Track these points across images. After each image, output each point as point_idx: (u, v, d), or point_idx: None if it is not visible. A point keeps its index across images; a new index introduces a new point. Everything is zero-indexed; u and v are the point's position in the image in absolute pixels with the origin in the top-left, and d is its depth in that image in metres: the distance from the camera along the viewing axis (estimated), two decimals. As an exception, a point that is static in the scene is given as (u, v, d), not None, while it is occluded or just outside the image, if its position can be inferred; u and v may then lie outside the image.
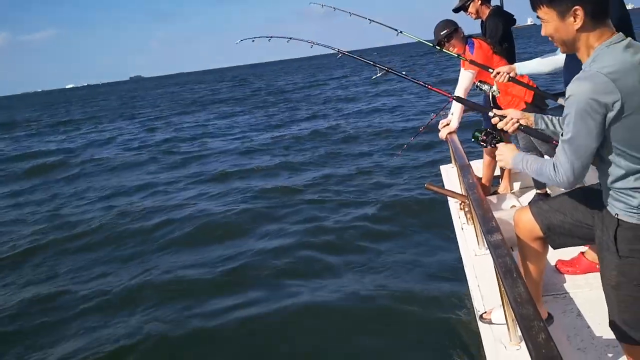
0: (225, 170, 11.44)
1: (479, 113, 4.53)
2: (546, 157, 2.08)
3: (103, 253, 7.08)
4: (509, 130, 2.32)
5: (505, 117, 2.32)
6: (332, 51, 3.91)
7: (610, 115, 1.66)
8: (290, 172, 10.51)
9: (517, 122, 2.28)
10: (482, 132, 2.44)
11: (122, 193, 10.67)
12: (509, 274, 1.82)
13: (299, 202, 8.18)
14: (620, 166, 1.76)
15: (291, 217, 7.52)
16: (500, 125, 2.34)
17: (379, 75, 3.45)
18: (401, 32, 4.33)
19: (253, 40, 4.47)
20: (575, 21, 1.73)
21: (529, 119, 2.28)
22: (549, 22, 1.79)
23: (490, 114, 2.43)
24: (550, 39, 1.85)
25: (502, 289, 2.20)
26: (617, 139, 1.71)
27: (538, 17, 1.84)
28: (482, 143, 2.43)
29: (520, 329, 1.55)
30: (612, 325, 1.95)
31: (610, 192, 1.85)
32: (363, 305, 4.73)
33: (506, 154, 2.20)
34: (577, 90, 1.68)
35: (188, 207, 8.70)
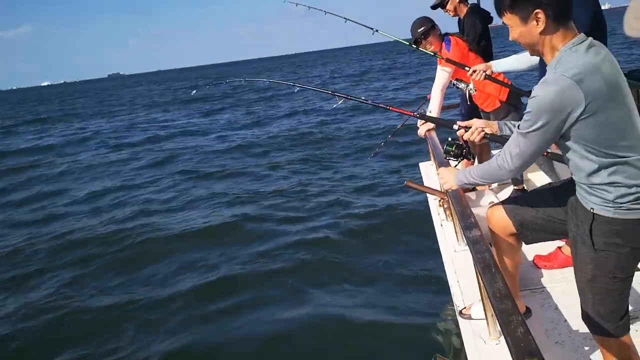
0: (203, 171, 11.28)
1: (459, 112, 4.57)
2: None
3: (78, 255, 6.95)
4: (476, 140, 2.36)
5: (470, 127, 2.38)
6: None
7: (574, 115, 1.70)
8: (262, 176, 10.30)
9: (482, 131, 2.34)
10: (453, 147, 2.45)
11: (93, 194, 10.47)
12: (487, 270, 1.83)
13: (272, 209, 8.06)
14: (593, 161, 1.78)
15: (262, 227, 7.33)
16: (466, 137, 2.38)
17: (339, 103, 3.44)
18: (377, 30, 4.36)
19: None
20: (537, 25, 1.76)
21: (493, 126, 2.34)
22: (514, 27, 1.82)
23: (455, 126, 2.48)
24: (517, 42, 1.87)
25: (481, 284, 2.22)
26: (585, 137, 1.74)
27: (503, 23, 1.86)
28: (453, 158, 2.46)
29: (499, 324, 1.56)
30: (586, 318, 1.98)
31: (585, 187, 1.87)
32: (345, 304, 4.73)
33: (447, 176, 2.26)
34: (542, 92, 1.71)
35: (160, 211, 8.57)
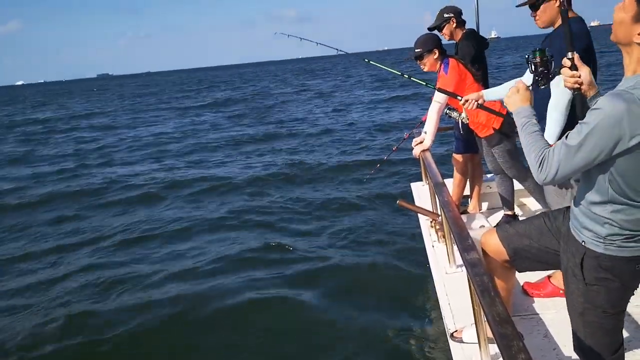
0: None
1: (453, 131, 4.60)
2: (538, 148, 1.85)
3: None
4: (469, 108, 2.18)
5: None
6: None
7: (625, 145, 1.58)
8: (252, 188, 10.06)
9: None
10: (542, 55, 2.16)
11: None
12: (486, 293, 1.82)
13: (262, 221, 7.95)
14: (608, 194, 1.71)
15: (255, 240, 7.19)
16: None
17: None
18: (370, 61, 4.51)
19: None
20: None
21: (592, 89, 2.00)
22: (626, 13, 1.64)
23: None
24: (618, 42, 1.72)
25: (477, 307, 2.20)
26: (618, 168, 1.65)
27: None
28: (541, 66, 2.17)
29: (500, 348, 1.55)
30: (579, 349, 1.96)
31: (582, 215, 1.83)
32: (332, 322, 4.66)
33: (518, 97, 2.01)
34: (608, 106, 1.58)
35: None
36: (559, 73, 2.02)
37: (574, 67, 1.93)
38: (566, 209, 1.98)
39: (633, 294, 1.89)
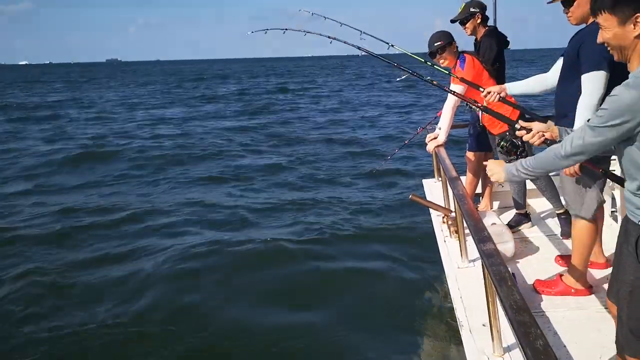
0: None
1: (467, 129, 4.59)
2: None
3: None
4: (536, 144, 2.38)
5: (531, 129, 2.39)
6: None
7: None
8: (264, 182, 10.15)
9: (542, 135, 2.35)
10: (507, 142, 2.52)
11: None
12: (503, 282, 1.83)
13: (281, 210, 8.00)
14: None
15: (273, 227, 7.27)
16: (526, 138, 2.40)
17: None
18: (392, 45, 4.39)
19: (265, 32, 4.28)
20: (635, 28, 1.79)
21: (554, 132, 2.35)
22: (609, 28, 1.84)
23: (517, 126, 2.48)
24: (606, 44, 1.90)
25: (491, 299, 2.20)
26: None
27: (597, 22, 1.89)
28: (505, 154, 2.54)
29: (517, 335, 1.55)
30: (622, 334, 1.94)
31: (633, 200, 1.90)
32: (346, 319, 4.66)
33: (496, 169, 2.29)
34: (623, 93, 1.73)
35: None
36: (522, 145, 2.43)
37: (527, 131, 2.24)
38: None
39: None
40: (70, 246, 6.77)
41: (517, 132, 2.39)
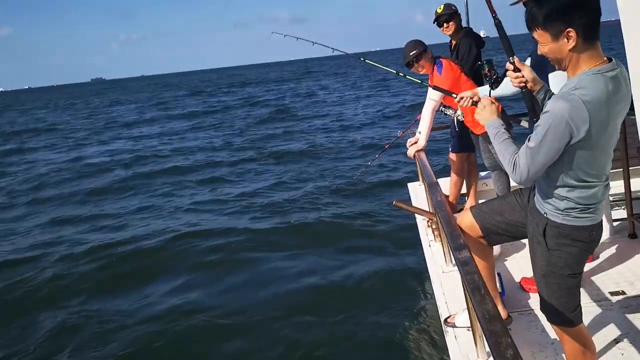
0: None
1: (450, 133, 4.61)
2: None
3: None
4: (514, 84, 2.19)
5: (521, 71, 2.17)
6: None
7: (575, 138, 1.80)
8: (252, 193, 10.13)
9: (525, 82, 2.15)
10: (490, 66, 2.47)
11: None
12: (477, 291, 1.85)
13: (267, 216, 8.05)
14: (562, 177, 1.94)
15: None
16: (510, 75, 2.18)
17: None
18: (364, 59, 4.45)
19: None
20: (568, 42, 1.81)
21: (536, 87, 2.17)
22: (544, 43, 1.88)
23: (511, 59, 2.22)
24: (547, 57, 1.94)
25: (470, 305, 2.23)
26: (570, 157, 1.88)
27: (534, 38, 1.93)
28: (487, 72, 2.47)
29: (489, 345, 1.57)
30: (543, 308, 2.19)
31: (543, 192, 2.06)
32: (331, 319, 4.70)
33: (486, 111, 2.21)
34: (555, 108, 1.79)
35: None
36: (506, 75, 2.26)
37: (516, 69, 2.16)
38: (532, 187, 2.20)
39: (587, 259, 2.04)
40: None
41: (507, 65, 2.23)
